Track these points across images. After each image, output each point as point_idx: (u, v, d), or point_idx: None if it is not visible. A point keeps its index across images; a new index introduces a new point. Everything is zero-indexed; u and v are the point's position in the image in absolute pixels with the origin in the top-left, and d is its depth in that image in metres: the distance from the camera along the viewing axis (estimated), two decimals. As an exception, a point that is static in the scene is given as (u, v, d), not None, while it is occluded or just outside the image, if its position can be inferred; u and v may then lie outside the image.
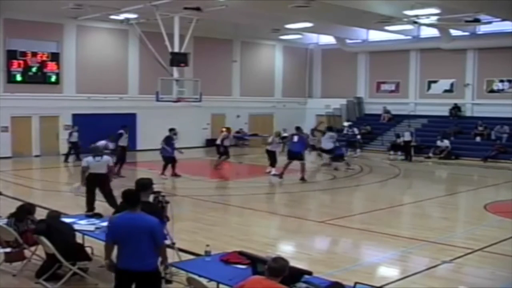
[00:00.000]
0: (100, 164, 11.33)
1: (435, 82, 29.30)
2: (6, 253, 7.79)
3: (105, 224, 7.60)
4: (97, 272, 7.60)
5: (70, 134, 22.24)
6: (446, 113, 28.22)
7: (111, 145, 16.61)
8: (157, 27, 20.73)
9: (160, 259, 5.94)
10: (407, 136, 24.85)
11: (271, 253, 7.42)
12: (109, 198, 11.31)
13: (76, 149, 21.69)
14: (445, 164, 23.81)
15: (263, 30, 28.05)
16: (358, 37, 30.14)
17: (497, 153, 24.21)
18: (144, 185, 6.37)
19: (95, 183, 11.36)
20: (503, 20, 22.78)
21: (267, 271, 4.72)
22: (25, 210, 8.21)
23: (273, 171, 18.59)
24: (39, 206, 11.93)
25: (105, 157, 11.61)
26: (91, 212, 10.60)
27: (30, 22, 22.57)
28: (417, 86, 29.95)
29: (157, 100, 21.37)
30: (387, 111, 30.10)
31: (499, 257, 9.07)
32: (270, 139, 19.67)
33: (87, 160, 11.41)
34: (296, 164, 17.81)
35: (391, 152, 25.79)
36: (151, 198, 6.91)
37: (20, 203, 9.01)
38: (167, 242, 6.97)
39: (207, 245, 6.75)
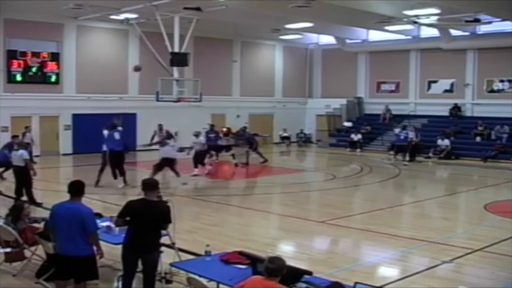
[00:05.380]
0: (16, 157, 12.82)
1: (435, 82, 29.30)
2: (6, 253, 7.79)
3: (105, 224, 7.63)
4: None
5: (24, 135, 19.64)
6: (446, 113, 28.22)
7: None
8: (157, 27, 20.72)
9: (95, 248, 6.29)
10: (410, 135, 24.25)
11: (271, 253, 7.41)
12: (25, 189, 12.61)
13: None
14: (445, 164, 23.80)
15: (263, 30, 28.05)
16: (358, 37, 30.13)
17: (497, 153, 24.20)
18: (150, 185, 6.43)
19: (14, 174, 12.95)
20: (503, 20, 22.78)
21: (265, 272, 4.72)
22: (19, 209, 8.22)
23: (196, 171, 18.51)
24: (39, 206, 12.07)
25: (20, 151, 12.80)
26: (19, 200, 11.68)
27: (30, 22, 22.57)
28: (417, 86, 29.96)
29: (157, 100, 21.37)
30: (388, 110, 30.09)
31: (499, 257, 9.07)
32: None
33: (12, 152, 13.32)
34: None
35: (391, 152, 25.76)
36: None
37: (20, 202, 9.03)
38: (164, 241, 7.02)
39: (207, 245, 6.75)
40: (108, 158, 15.49)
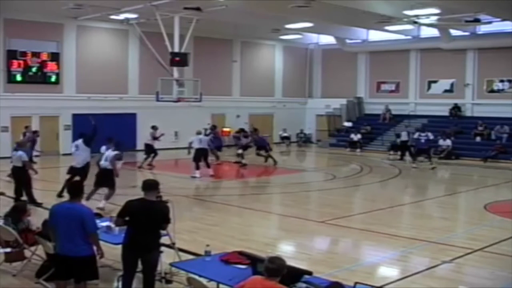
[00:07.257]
0: (15, 158, 12.72)
1: (435, 82, 29.32)
2: (6, 253, 7.79)
3: (105, 224, 7.63)
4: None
5: (24, 135, 19.35)
6: (446, 113, 28.24)
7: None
8: (157, 27, 20.73)
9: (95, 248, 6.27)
10: (404, 136, 24.37)
11: (271, 253, 7.42)
12: (25, 189, 12.56)
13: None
14: (445, 164, 23.77)
15: (263, 30, 28.05)
16: (358, 37, 30.14)
17: (497, 153, 24.20)
18: (149, 185, 6.45)
19: (14, 174, 12.90)
20: (503, 20, 22.79)
21: (265, 272, 4.72)
22: (21, 210, 8.23)
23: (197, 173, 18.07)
24: (39, 206, 12.06)
25: (19, 152, 12.68)
26: (19, 200, 11.63)
27: (30, 22, 22.59)
28: (417, 86, 29.98)
29: (157, 100, 21.38)
30: (388, 110, 30.08)
31: (499, 257, 9.07)
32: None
33: (12, 153, 13.27)
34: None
35: (391, 152, 25.76)
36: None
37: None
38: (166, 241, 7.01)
39: (207, 245, 6.75)
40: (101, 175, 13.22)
